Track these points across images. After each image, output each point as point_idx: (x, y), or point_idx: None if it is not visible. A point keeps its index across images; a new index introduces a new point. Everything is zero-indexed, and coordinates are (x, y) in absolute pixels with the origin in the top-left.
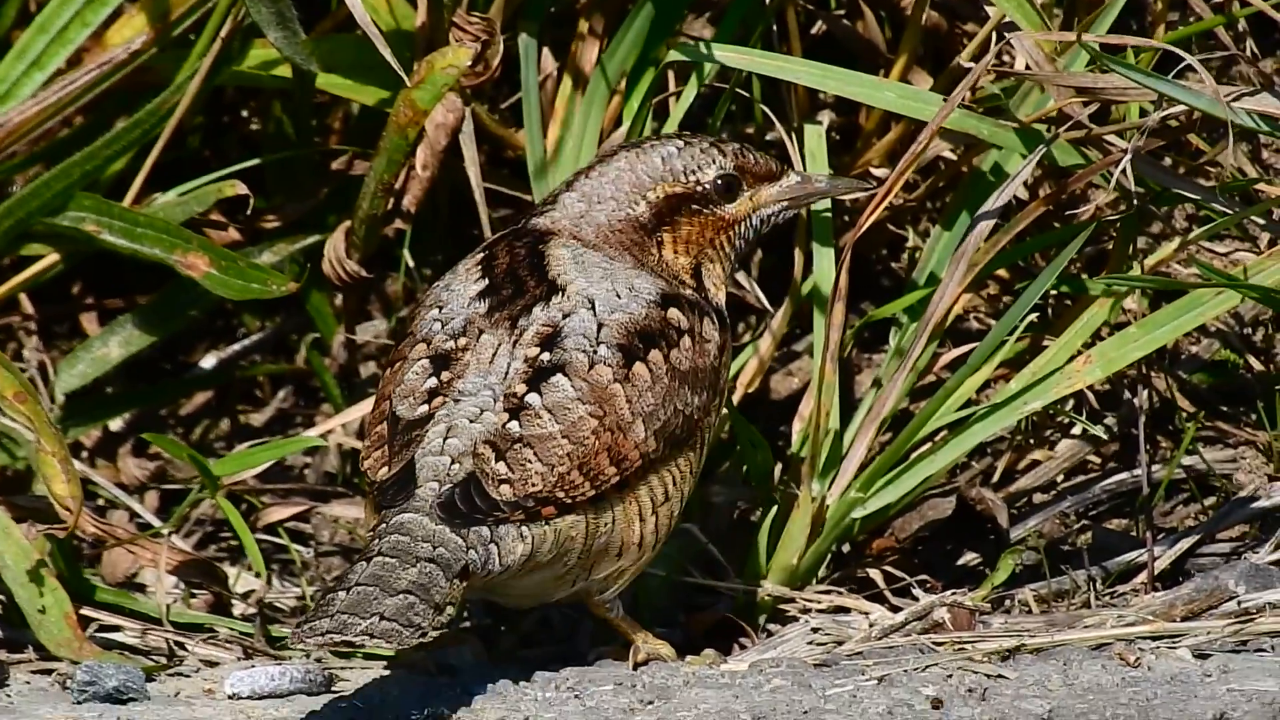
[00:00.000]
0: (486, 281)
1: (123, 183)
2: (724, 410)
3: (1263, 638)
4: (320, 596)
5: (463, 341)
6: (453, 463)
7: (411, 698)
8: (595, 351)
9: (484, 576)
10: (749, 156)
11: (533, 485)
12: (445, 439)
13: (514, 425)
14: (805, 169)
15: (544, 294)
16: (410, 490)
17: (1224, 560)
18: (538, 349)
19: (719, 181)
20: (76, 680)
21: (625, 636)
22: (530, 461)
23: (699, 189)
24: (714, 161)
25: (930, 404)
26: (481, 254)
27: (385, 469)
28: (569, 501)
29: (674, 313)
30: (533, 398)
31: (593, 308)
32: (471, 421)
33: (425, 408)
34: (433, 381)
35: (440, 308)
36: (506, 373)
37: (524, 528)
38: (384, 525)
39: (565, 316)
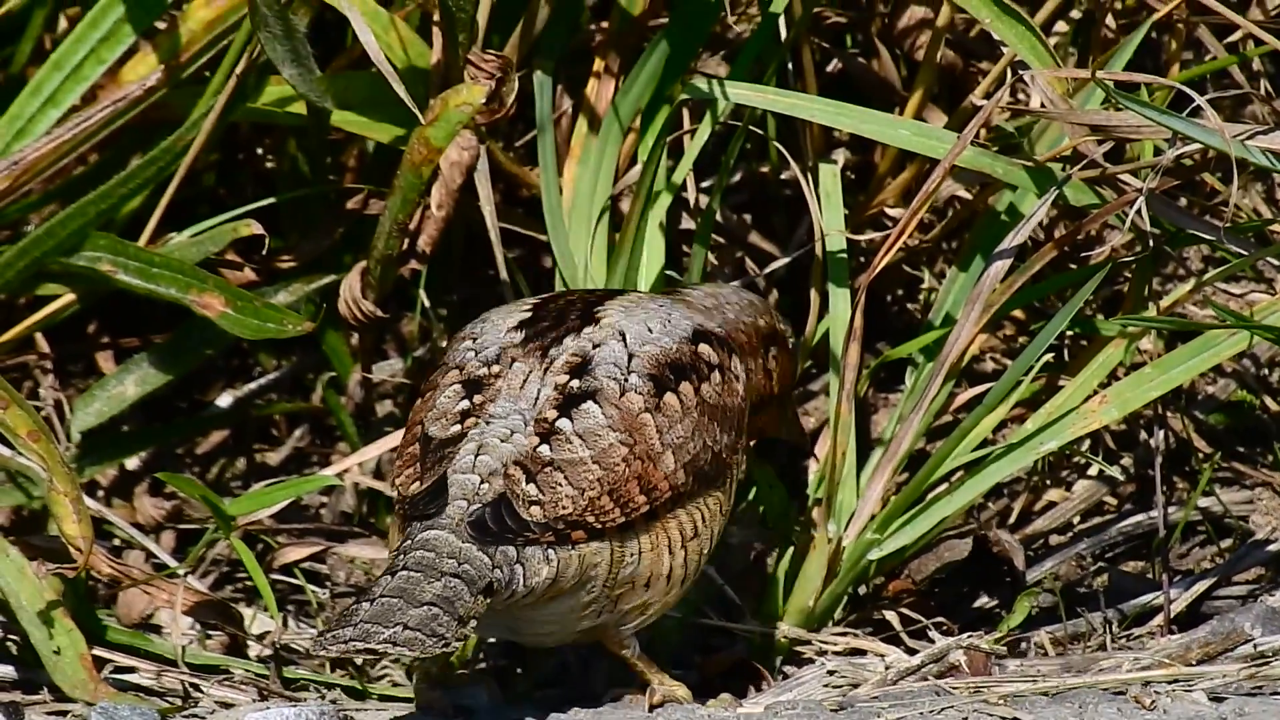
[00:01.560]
0: (531, 314)
1: (138, 221)
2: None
3: (1278, 681)
4: (344, 608)
5: (495, 369)
6: (482, 482)
7: None
8: (626, 380)
9: (508, 598)
10: None
11: (563, 508)
12: (476, 456)
13: (545, 449)
14: (820, 209)
15: (578, 326)
16: (441, 504)
17: (1240, 603)
18: (567, 376)
19: (794, 352)
20: None
21: (641, 677)
22: (560, 485)
23: (790, 341)
24: (793, 338)
25: (946, 444)
26: (536, 300)
27: (417, 484)
28: (599, 527)
29: (705, 348)
30: (564, 423)
31: (623, 339)
32: (502, 441)
33: (458, 427)
34: (465, 404)
35: (475, 339)
36: (537, 399)
37: (550, 550)
38: (409, 542)
39: (595, 346)
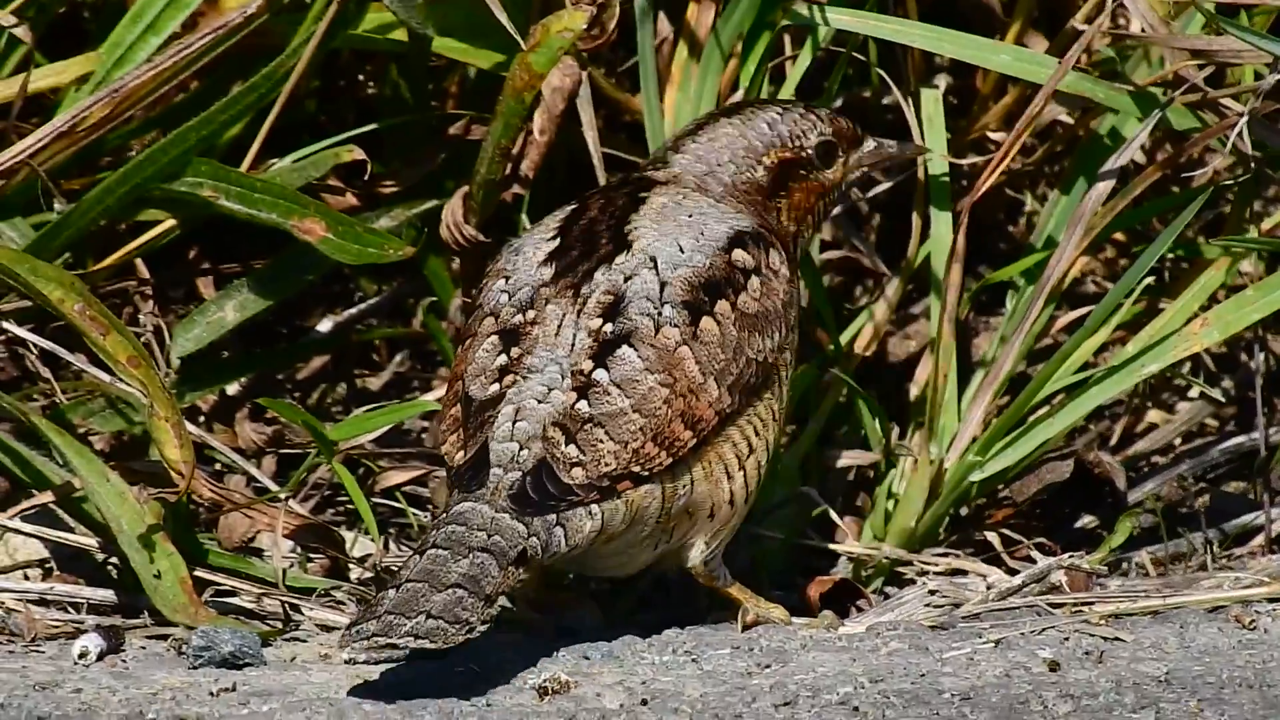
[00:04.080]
0: (558, 241)
1: (239, 148)
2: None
3: None
4: (373, 597)
5: (530, 315)
6: (521, 448)
7: (529, 661)
8: (660, 313)
9: (549, 557)
10: (842, 122)
11: (606, 465)
12: (515, 422)
13: (583, 405)
14: (923, 134)
15: (609, 254)
16: (483, 478)
17: None
18: (600, 319)
19: (821, 147)
20: (192, 645)
21: (735, 602)
22: (602, 441)
23: (804, 154)
24: (815, 127)
25: (1047, 367)
26: (571, 207)
27: (461, 453)
28: (646, 474)
29: (739, 254)
30: (600, 374)
31: (655, 266)
32: (540, 402)
33: (496, 387)
34: (502, 359)
35: (506, 278)
36: (573, 346)
37: (593, 506)
38: (445, 514)
39: (627, 279)
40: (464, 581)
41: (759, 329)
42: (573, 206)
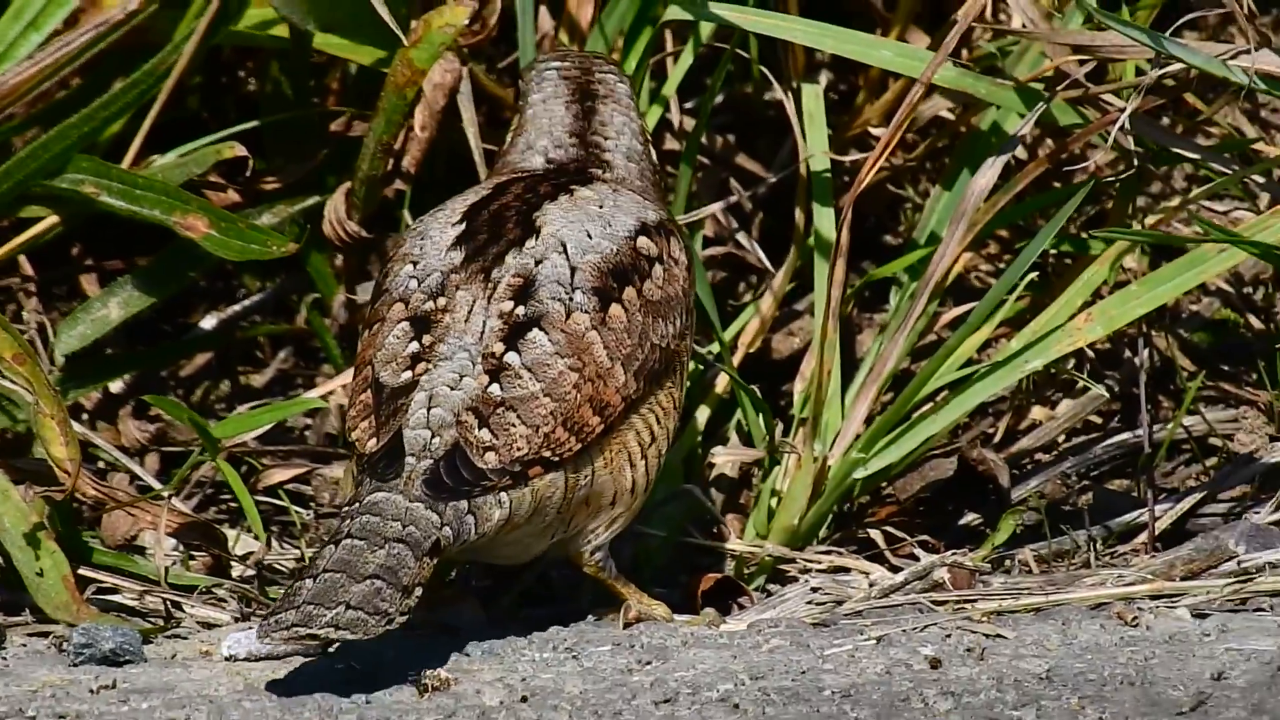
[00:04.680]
0: (464, 226)
1: (121, 144)
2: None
3: (1261, 597)
4: (289, 587)
5: (442, 301)
6: (433, 436)
7: (409, 658)
8: (571, 299)
9: (459, 545)
10: None
11: (518, 449)
12: (429, 409)
13: (495, 389)
14: (804, 130)
15: (518, 238)
16: (397, 468)
17: (1224, 520)
18: (511, 302)
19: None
20: (73, 642)
21: (618, 595)
22: (514, 425)
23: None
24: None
25: (931, 363)
26: (481, 193)
27: (373, 440)
28: (556, 460)
29: (643, 241)
30: (511, 356)
31: (565, 251)
32: (452, 389)
33: (408, 374)
34: (414, 346)
35: (415, 262)
36: (483, 332)
37: (503, 493)
38: (358, 504)
39: (538, 263)
40: (382, 572)
41: (663, 315)
42: (485, 192)
